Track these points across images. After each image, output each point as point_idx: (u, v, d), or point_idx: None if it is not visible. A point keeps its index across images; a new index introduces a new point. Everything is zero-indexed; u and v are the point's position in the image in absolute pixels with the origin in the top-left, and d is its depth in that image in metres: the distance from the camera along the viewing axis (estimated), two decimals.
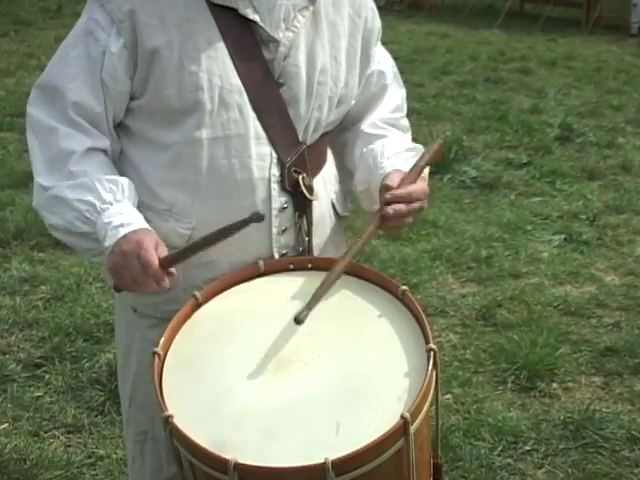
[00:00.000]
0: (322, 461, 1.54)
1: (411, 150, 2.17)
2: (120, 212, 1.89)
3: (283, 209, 2.04)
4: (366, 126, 2.21)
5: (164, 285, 1.86)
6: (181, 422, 1.67)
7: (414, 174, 2.00)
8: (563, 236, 5.98)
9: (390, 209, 1.92)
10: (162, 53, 1.93)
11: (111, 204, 1.89)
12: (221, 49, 1.96)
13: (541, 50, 15.09)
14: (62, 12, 17.42)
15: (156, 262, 1.82)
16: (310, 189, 2.06)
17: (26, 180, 6.27)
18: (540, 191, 6.97)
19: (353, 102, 2.19)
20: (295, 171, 2.03)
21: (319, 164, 2.14)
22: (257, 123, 1.99)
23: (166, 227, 1.99)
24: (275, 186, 2.02)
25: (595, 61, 13.78)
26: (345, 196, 2.28)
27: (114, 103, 1.98)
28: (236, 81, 1.96)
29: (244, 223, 1.84)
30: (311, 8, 2.04)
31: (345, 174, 2.26)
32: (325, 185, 2.16)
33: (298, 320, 1.79)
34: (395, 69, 2.32)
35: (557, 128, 8.75)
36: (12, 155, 7.17)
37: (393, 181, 1.97)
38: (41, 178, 1.95)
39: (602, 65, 13.33)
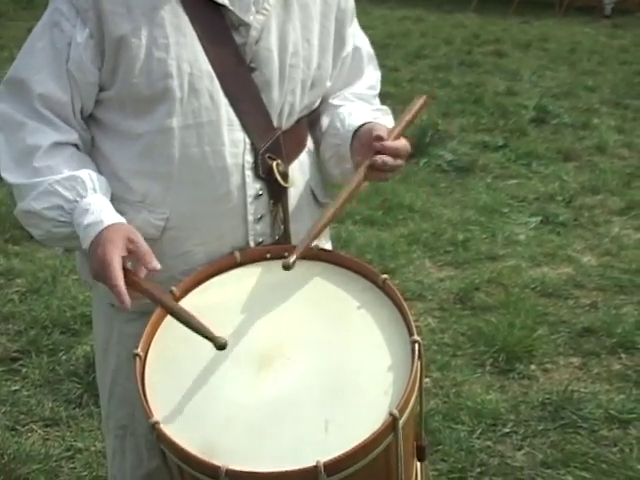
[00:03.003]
0: (314, 464, 1.53)
1: (377, 111, 2.16)
2: (86, 209, 1.86)
3: (258, 196, 2.01)
4: (334, 99, 2.19)
5: (124, 305, 1.79)
6: (168, 428, 1.64)
7: (400, 128, 1.98)
8: (539, 218, 6.00)
9: (380, 158, 1.89)
10: (129, 41, 1.89)
11: (76, 201, 1.87)
12: (190, 35, 1.92)
13: (515, 32, 15.10)
14: (34, 3, 17.20)
15: (120, 285, 1.77)
16: (285, 176, 2.03)
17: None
18: (516, 173, 6.99)
19: (328, 84, 2.16)
20: (269, 157, 2.00)
21: (296, 150, 2.11)
22: (229, 109, 1.96)
23: (140, 219, 1.96)
24: (249, 173, 1.99)
25: (569, 42, 13.81)
26: (325, 184, 2.25)
27: (82, 95, 1.95)
28: (206, 67, 1.93)
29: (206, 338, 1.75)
30: None
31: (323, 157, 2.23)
32: (303, 171, 2.13)
33: (286, 266, 1.78)
34: (371, 51, 2.29)
35: (532, 110, 8.78)
36: None
37: (383, 132, 1.94)
38: (7, 174, 1.92)
39: (576, 46, 13.37)
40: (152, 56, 1.90)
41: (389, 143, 1.91)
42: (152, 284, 1.82)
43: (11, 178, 1.92)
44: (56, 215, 1.87)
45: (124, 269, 1.80)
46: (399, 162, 1.94)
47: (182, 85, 1.91)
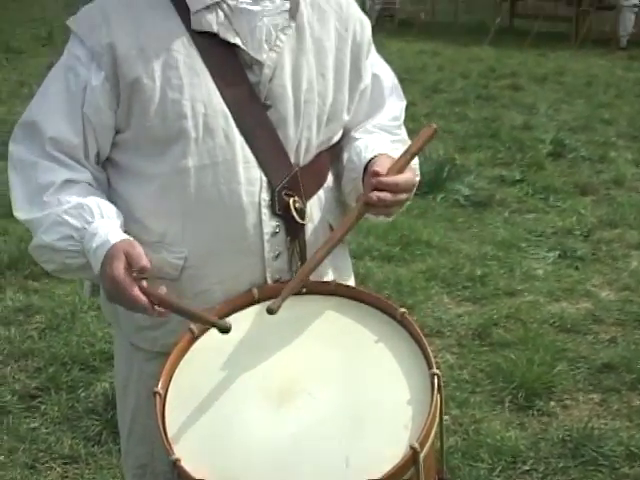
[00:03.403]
0: None
1: (398, 142, 2.13)
2: (94, 233, 1.86)
3: (275, 234, 2.00)
4: (356, 132, 2.17)
5: (161, 315, 1.83)
6: (189, 465, 1.63)
7: (403, 161, 1.92)
8: (557, 252, 5.98)
9: (375, 195, 1.86)
10: (143, 84, 1.90)
11: (85, 228, 1.87)
12: (204, 75, 1.93)
13: (531, 66, 15.17)
14: (53, 39, 17.45)
15: (136, 292, 1.78)
16: (302, 212, 2.01)
17: None
18: (534, 208, 6.99)
19: (347, 117, 2.14)
20: (286, 194, 1.99)
21: (315, 185, 2.10)
22: (245, 147, 1.96)
23: (158, 258, 1.97)
24: (265, 210, 1.98)
25: (585, 75, 13.86)
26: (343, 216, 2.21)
27: (99, 138, 1.96)
28: (221, 106, 1.93)
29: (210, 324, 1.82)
30: (293, 25, 2.00)
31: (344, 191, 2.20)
32: (321, 207, 2.11)
33: (270, 310, 1.77)
34: (395, 81, 2.27)
35: (549, 144, 8.80)
36: (5, 184, 7.06)
37: (381, 167, 1.91)
38: (20, 212, 1.94)
39: (592, 79, 13.41)
40: (166, 97, 1.91)
41: (386, 178, 1.88)
42: (164, 293, 1.83)
43: (23, 215, 1.93)
44: (67, 245, 1.87)
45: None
46: (400, 197, 1.90)
47: (197, 125, 1.92)
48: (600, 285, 5.52)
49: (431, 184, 7.13)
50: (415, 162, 2.07)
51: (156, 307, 1.81)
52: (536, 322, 4.91)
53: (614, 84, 13.06)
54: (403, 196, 1.92)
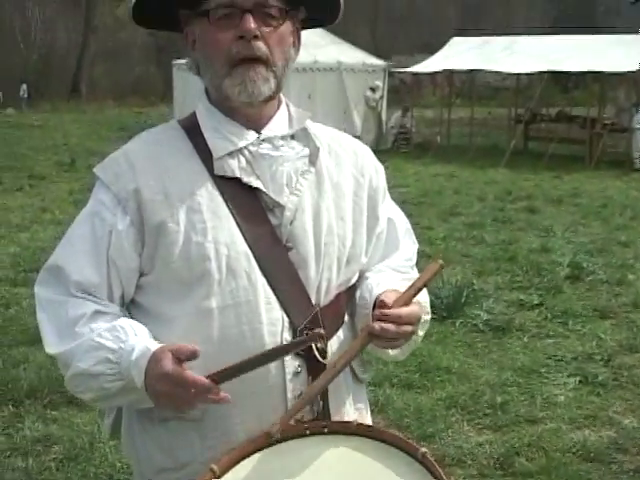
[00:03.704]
0: None
1: (408, 280, 2.13)
2: (131, 350, 1.87)
3: (297, 373, 2.01)
4: (370, 271, 2.20)
5: (224, 399, 1.83)
6: None
7: (409, 294, 1.95)
8: (578, 378, 5.93)
9: (377, 326, 1.88)
10: (168, 227, 1.95)
11: (121, 348, 1.88)
12: (226, 218, 1.98)
13: (547, 187, 15.34)
14: (75, 165, 17.86)
15: (204, 380, 1.80)
16: (323, 352, 2.02)
17: (40, 337, 6.30)
18: (553, 332, 6.96)
19: (364, 260, 2.18)
20: (307, 335, 2.00)
21: (335, 325, 2.11)
22: (267, 288, 1.98)
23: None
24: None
25: (601, 197, 13.98)
26: (363, 360, 2.24)
27: (124, 281, 2.00)
28: (243, 248, 1.97)
29: (302, 343, 1.89)
30: (313, 170, 2.07)
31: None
32: (341, 347, 2.11)
33: (270, 435, 1.78)
34: (408, 225, 2.32)
35: (567, 267, 8.83)
36: (26, 311, 7.20)
37: (387, 298, 1.94)
38: (50, 347, 1.95)
39: (608, 201, 13.52)
40: (190, 240, 1.95)
41: (391, 311, 1.90)
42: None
43: (54, 349, 1.94)
44: (105, 369, 1.88)
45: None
46: (403, 329, 1.92)
47: (220, 267, 1.95)
48: (623, 412, 5.45)
49: (450, 309, 7.15)
50: (426, 299, 2.12)
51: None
52: (558, 450, 4.84)
53: (630, 205, 13.17)
54: (407, 328, 1.93)
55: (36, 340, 6.21)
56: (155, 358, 1.83)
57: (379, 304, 1.95)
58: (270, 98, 2.03)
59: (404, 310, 1.93)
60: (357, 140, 2.29)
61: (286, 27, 2.02)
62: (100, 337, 1.89)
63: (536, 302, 7.72)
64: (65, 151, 21.36)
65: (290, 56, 2.05)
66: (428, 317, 2.17)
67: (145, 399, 1.89)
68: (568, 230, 11.04)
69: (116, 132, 28.42)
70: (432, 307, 6.52)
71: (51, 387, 5.42)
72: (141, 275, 2.01)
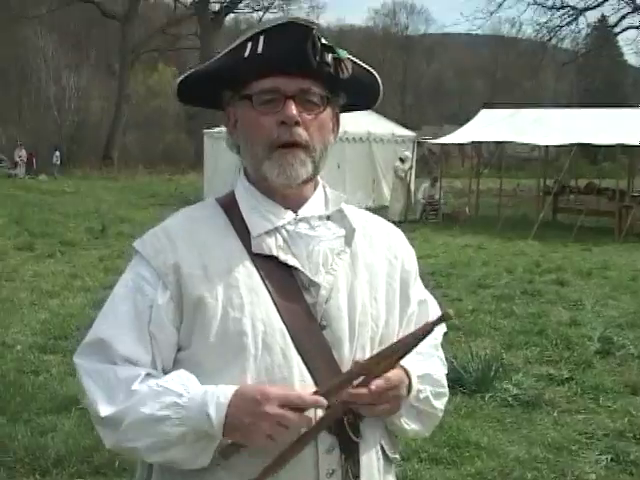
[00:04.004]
0: None
1: (419, 354, 2.13)
2: (202, 391, 1.89)
3: (330, 451, 2.00)
4: None
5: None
6: None
7: (394, 357, 1.96)
8: (610, 456, 5.83)
9: (355, 391, 1.92)
10: (206, 302, 1.97)
11: (188, 391, 1.89)
12: (263, 295, 2.00)
13: (576, 260, 15.29)
14: (106, 232, 18.02)
15: (320, 398, 1.86)
16: (356, 430, 2.03)
17: (68, 405, 6.32)
18: (583, 408, 6.87)
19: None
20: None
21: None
22: (302, 366, 1.99)
23: (215, 477, 1.99)
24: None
25: (630, 270, 13.93)
26: (394, 439, 2.23)
27: (163, 356, 2.01)
28: (279, 325, 1.99)
29: (436, 324, 1.91)
30: (348, 251, 2.10)
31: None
32: (372, 425, 2.11)
33: None
34: (437, 306, 2.32)
35: (597, 341, 8.75)
36: (55, 378, 7.22)
37: (367, 360, 1.97)
38: (104, 409, 1.94)
39: (637, 274, 13.49)
40: (228, 316, 1.97)
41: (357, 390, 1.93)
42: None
43: (108, 410, 1.93)
44: (171, 413, 1.88)
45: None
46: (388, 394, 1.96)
47: (256, 343, 1.96)
48: None
49: (479, 383, 7.10)
50: (440, 372, 2.19)
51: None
52: None
53: None
54: (392, 393, 1.96)
55: (65, 408, 6.25)
56: (253, 389, 1.88)
57: (355, 367, 1.96)
58: (307, 181, 2.08)
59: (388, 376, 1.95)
60: (390, 223, 2.33)
61: (326, 113, 2.08)
62: (165, 382, 1.91)
63: (566, 377, 7.62)
64: (96, 218, 21.57)
65: (329, 141, 2.12)
66: (443, 390, 2.19)
67: (209, 445, 1.90)
68: (598, 303, 10.97)
69: (147, 199, 28.78)
70: (460, 381, 6.52)
71: (78, 456, 5.40)
72: (179, 350, 2.03)
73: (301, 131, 2.01)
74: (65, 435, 5.81)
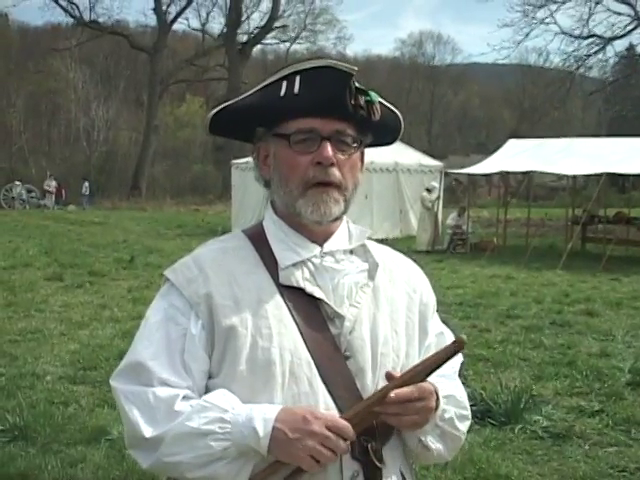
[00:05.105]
0: None
1: (442, 376, 2.18)
2: (247, 408, 1.93)
3: (354, 477, 2.04)
4: None
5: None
6: None
7: (425, 370, 2.02)
8: None
9: (393, 394, 1.96)
10: (237, 332, 2.02)
11: (233, 408, 1.93)
12: (290, 326, 2.06)
13: (605, 290, 15.19)
14: (134, 263, 18.13)
15: (346, 424, 1.91)
16: (380, 456, 2.07)
17: (98, 436, 6.34)
18: (615, 441, 6.78)
19: None
20: (364, 439, 2.04)
21: (389, 431, 2.14)
22: (327, 395, 2.04)
23: None
24: (346, 455, 2.02)
25: None
26: (412, 465, 2.27)
27: (196, 383, 2.05)
28: (306, 355, 2.04)
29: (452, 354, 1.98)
30: (371, 284, 2.17)
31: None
32: (393, 453, 2.16)
33: None
34: (453, 337, 2.35)
35: (628, 372, 8.65)
36: (84, 409, 7.24)
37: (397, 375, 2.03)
38: (146, 430, 1.97)
39: None
40: (257, 345, 2.02)
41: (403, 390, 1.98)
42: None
43: (153, 432, 1.96)
44: (215, 428, 1.92)
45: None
46: (416, 406, 1.99)
47: (284, 372, 2.02)
48: None
49: (508, 414, 7.04)
50: (462, 395, 2.24)
51: None
52: None
53: None
54: (420, 404, 2.00)
55: (94, 439, 6.27)
56: (294, 411, 1.93)
57: (387, 375, 2.02)
58: (338, 218, 2.15)
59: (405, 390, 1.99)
60: (408, 258, 2.40)
61: (357, 154, 2.15)
62: (209, 398, 1.96)
63: (597, 409, 7.53)
64: (124, 248, 21.76)
65: (358, 179, 2.18)
66: (466, 412, 2.24)
67: (248, 462, 1.93)
68: (628, 334, 10.86)
69: (174, 230, 28.96)
70: (490, 412, 6.47)
71: None
72: (209, 378, 2.07)
73: (336, 171, 2.08)
74: (94, 466, 5.82)
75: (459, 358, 2.35)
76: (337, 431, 1.89)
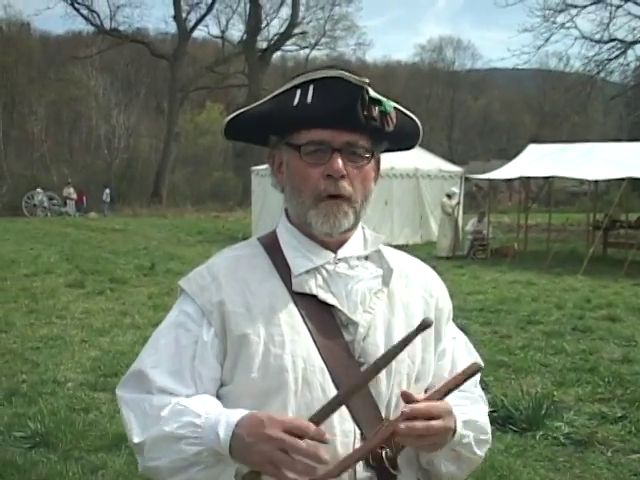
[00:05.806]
0: None
1: (467, 398, 2.17)
2: (218, 413, 1.91)
3: None
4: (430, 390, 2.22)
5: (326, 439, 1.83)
6: None
7: (441, 392, 1.96)
8: None
9: (403, 425, 1.88)
10: (250, 339, 2.03)
11: (207, 412, 1.92)
12: (304, 332, 2.06)
13: (627, 295, 15.09)
14: (155, 269, 18.17)
15: (307, 423, 1.83)
16: (394, 464, 2.04)
17: (118, 442, 6.35)
18: (638, 447, 6.71)
19: (430, 379, 2.21)
20: (379, 446, 2.02)
21: None
22: None
23: None
24: (359, 462, 2.00)
25: None
26: (430, 473, 2.22)
27: (206, 389, 2.05)
28: (319, 362, 2.04)
29: (417, 332, 1.90)
30: (385, 290, 2.15)
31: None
32: (409, 460, 2.13)
33: None
34: (469, 344, 2.36)
35: None
36: (105, 416, 7.26)
37: (418, 395, 1.97)
38: (136, 437, 2.00)
39: None
40: (269, 352, 2.02)
41: (419, 405, 1.91)
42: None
43: (140, 438, 1.99)
44: (187, 432, 1.91)
45: None
46: (433, 425, 1.91)
47: (297, 379, 2.01)
48: None
49: (530, 421, 7.00)
50: (484, 419, 2.17)
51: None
52: None
53: None
54: (436, 423, 1.93)
55: (115, 445, 6.28)
56: (255, 414, 1.87)
57: (404, 397, 1.96)
58: (348, 231, 2.14)
59: (433, 404, 1.94)
60: (425, 264, 2.38)
61: (370, 165, 2.13)
62: (187, 402, 1.96)
63: (619, 415, 7.47)
64: (145, 255, 21.82)
65: (370, 191, 2.16)
66: (486, 437, 2.18)
67: (227, 468, 1.92)
68: None
69: (195, 236, 29.03)
70: (511, 419, 6.43)
71: None
72: (221, 385, 2.08)
73: (346, 184, 2.06)
74: (115, 473, 5.84)
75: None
76: (298, 432, 1.82)
